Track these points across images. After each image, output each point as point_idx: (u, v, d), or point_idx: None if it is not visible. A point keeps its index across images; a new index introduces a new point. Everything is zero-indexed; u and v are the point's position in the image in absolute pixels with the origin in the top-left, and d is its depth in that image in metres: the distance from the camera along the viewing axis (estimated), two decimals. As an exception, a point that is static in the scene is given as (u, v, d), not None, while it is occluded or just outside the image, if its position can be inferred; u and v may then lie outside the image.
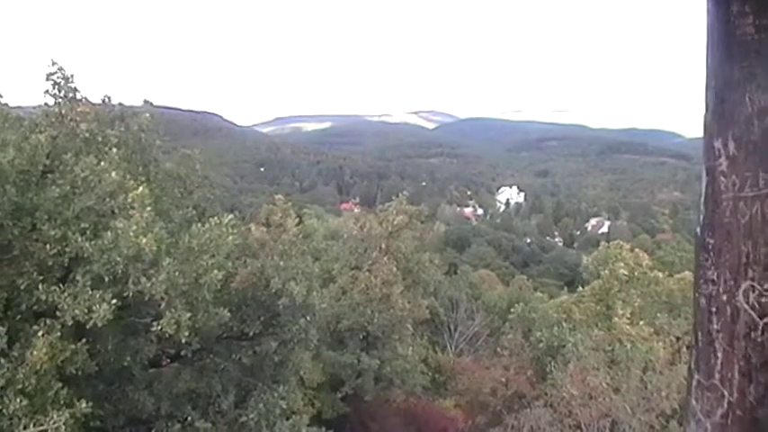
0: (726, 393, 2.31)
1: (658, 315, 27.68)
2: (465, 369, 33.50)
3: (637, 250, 33.72)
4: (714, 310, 2.31)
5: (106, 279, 11.96)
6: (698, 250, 2.42)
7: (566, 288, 63.84)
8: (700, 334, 2.37)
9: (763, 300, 2.23)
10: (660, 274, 31.80)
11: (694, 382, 2.40)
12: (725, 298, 2.28)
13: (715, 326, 2.30)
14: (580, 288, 36.18)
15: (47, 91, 14.98)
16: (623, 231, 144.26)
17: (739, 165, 2.28)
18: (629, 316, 26.85)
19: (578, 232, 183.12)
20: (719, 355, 2.28)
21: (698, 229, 2.43)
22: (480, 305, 41.85)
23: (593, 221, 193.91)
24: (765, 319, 2.23)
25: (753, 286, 2.24)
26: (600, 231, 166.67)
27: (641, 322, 26.70)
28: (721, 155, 2.32)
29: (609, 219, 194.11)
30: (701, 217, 2.41)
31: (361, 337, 27.56)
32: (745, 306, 2.24)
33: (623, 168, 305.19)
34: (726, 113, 2.33)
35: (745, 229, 2.25)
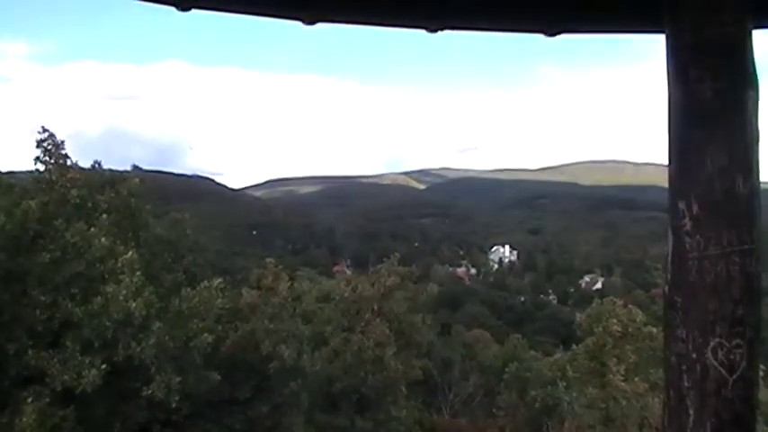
0: (698, 452, 2.33)
1: (651, 371, 27.44)
2: (460, 431, 32.99)
3: (630, 306, 33.55)
4: (684, 368, 2.34)
5: (96, 344, 11.93)
6: (666, 309, 2.47)
7: (561, 346, 63.18)
8: (671, 392, 2.40)
9: (732, 356, 2.27)
10: (654, 329, 31.47)
11: (668, 441, 2.42)
12: (694, 356, 2.32)
13: (686, 383, 2.33)
14: (574, 346, 35.91)
15: (38, 158, 15.14)
16: (617, 287, 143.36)
17: (703, 225, 2.35)
18: (623, 372, 26.61)
19: (572, 289, 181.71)
20: (691, 412, 2.31)
21: (666, 288, 2.49)
22: (475, 365, 41.34)
23: (586, 278, 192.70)
24: (735, 376, 2.27)
25: (721, 343, 2.28)
26: (594, 288, 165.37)
27: (636, 378, 26.45)
28: (685, 215, 2.39)
29: (602, 275, 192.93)
30: (669, 276, 2.47)
31: (355, 399, 27.20)
32: (715, 363, 2.28)
33: (615, 224, 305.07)
34: (688, 175, 2.42)
35: (711, 287, 2.31)
